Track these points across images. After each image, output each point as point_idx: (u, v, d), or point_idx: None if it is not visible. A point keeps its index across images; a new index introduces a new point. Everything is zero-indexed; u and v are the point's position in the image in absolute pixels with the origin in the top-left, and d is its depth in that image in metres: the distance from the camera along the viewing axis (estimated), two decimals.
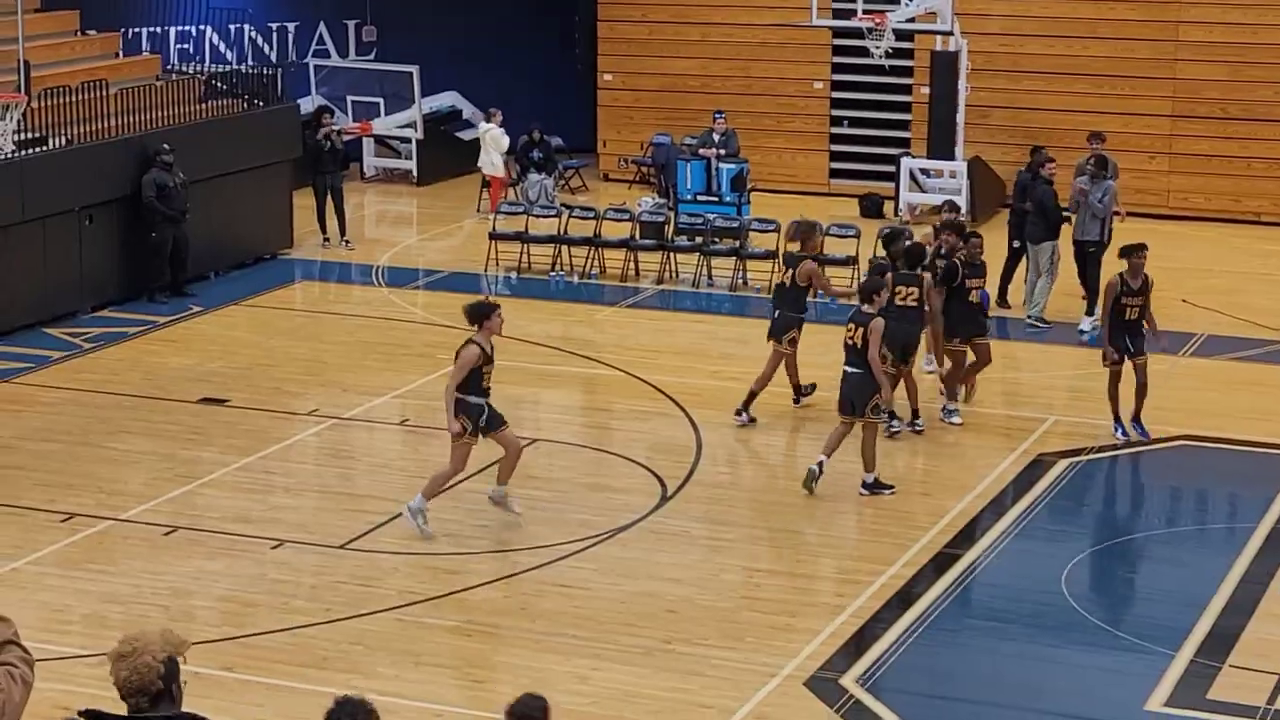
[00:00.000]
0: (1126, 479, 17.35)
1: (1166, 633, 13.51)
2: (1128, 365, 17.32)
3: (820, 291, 19.19)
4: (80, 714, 6.49)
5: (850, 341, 16.07)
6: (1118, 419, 17.41)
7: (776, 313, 18.20)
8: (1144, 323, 17.38)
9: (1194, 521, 16.28)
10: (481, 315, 15.10)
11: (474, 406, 15.01)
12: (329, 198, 26.04)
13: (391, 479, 16.78)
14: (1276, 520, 15.72)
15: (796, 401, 18.55)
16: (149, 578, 14.37)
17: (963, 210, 27.58)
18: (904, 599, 14.00)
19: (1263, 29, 28.05)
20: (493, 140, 28.11)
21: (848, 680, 12.62)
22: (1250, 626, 13.58)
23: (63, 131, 22.59)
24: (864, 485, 16.13)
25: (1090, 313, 21.59)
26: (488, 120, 28.32)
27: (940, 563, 14.74)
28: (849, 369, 16.14)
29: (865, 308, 16.15)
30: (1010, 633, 13.73)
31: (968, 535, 15.37)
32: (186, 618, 13.58)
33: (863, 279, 17.31)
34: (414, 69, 29.95)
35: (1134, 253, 17.29)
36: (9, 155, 21.30)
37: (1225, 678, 12.76)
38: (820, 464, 16.09)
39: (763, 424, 18.25)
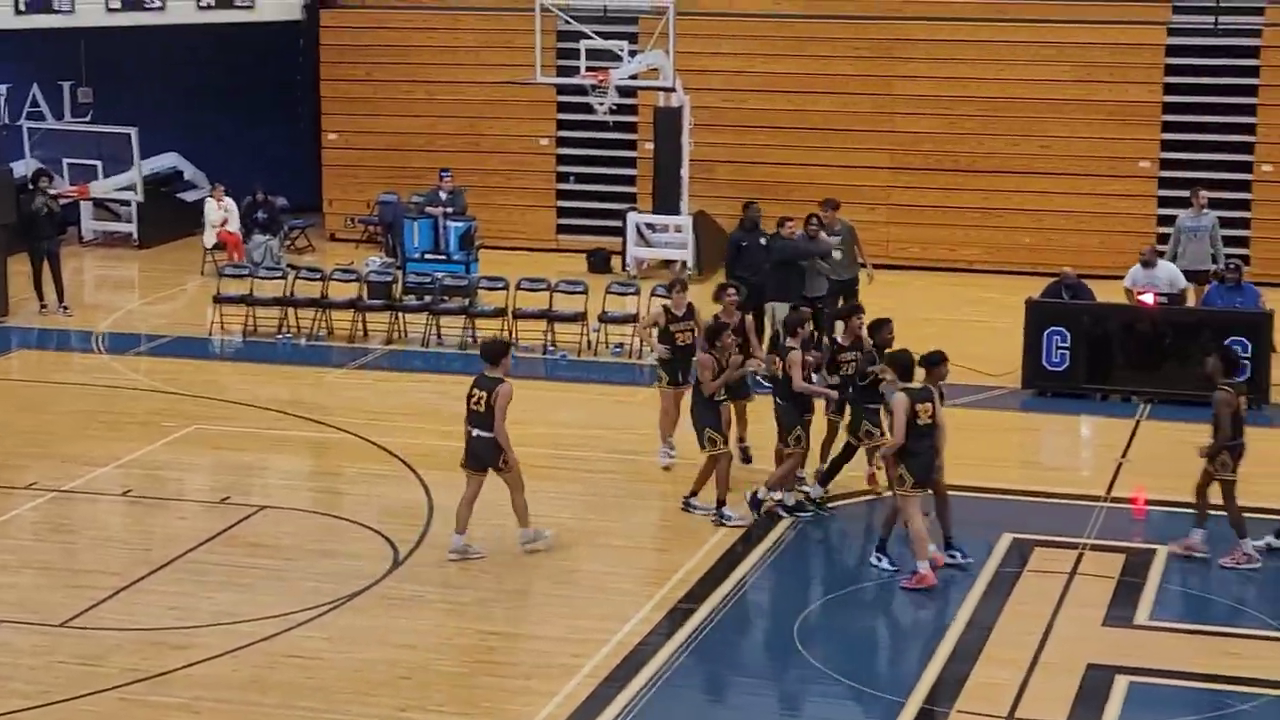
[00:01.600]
0: (854, 529, 17.55)
1: (896, 680, 13.72)
2: None
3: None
4: None
5: (774, 373, 17.13)
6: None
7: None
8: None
9: None
10: (499, 354, 15.88)
11: None
12: (45, 263, 25.44)
13: (114, 552, 16.35)
14: (999, 565, 16.09)
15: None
16: None
17: (690, 264, 27.99)
18: (639, 657, 14.00)
19: (973, 82, 28.86)
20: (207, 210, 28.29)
21: None
22: (976, 671, 13.85)
23: None
24: (782, 506, 17.20)
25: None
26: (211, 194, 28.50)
27: (674, 619, 14.79)
28: (778, 401, 17.07)
29: (788, 341, 17.00)
30: (746, 687, 13.83)
31: (701, 590, 15.44)
32: None
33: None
34: (132, 130, 29.42)
35: (940, 363, 16.21)
36: None
37: None
38: (755, 493, 17.14)
39: (498, 484, 18.19)
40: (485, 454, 15.85)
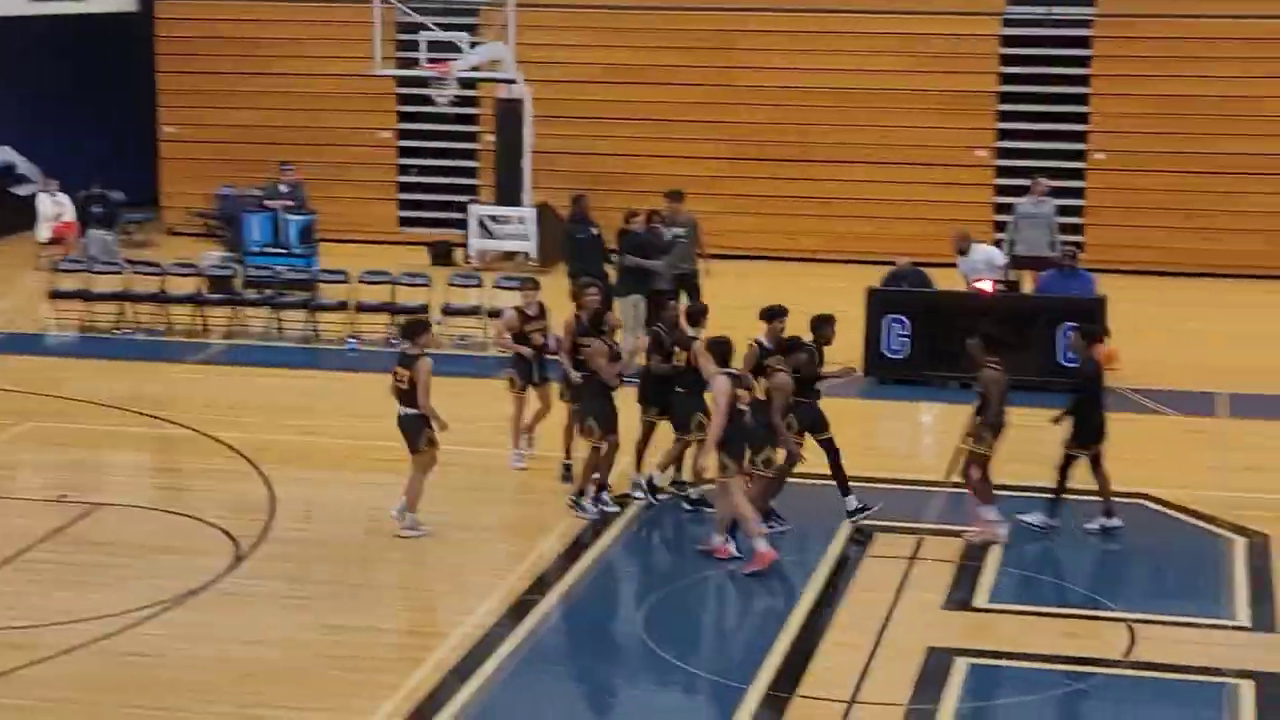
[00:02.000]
0: (699, 518, 17.66)
1: (740, 666, 13.81)
2: None
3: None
4: None
5: (679, 364, 17.13)
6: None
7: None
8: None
9: None
10: (419, 331, 16.19)
11: None
12: None
13: None
14: (841, 550, 16.28)
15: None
16: None
17: (532, 256, 28.01)
18: (485, 648, 13.99)
19: (811, 73, 29.15)
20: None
21: None
22: (818, 656, 14.00)
23: None
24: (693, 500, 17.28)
25: None
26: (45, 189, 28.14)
27: (520, 609, 14.79)
28: (679, 390, 17.09)
29: (691, 331, 17.13)
30: (590, 676, 13.89)
31: (546, 580, 15.48)
32: None
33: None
34: None
35: (796, 349, 16.96)
36: None
37: (796, 708, 13.09)
38: (650, 479, 17.30)
39: (341, 479, 18.15)
40: (410, 430, 16.11)
